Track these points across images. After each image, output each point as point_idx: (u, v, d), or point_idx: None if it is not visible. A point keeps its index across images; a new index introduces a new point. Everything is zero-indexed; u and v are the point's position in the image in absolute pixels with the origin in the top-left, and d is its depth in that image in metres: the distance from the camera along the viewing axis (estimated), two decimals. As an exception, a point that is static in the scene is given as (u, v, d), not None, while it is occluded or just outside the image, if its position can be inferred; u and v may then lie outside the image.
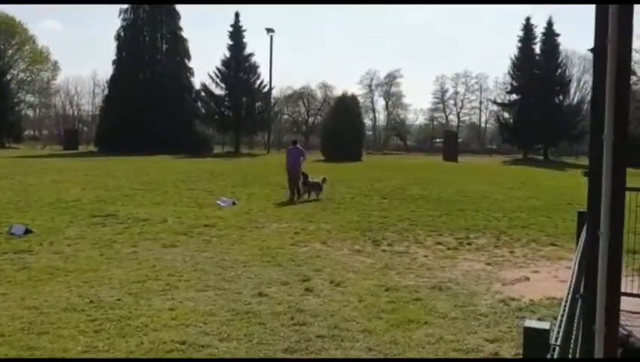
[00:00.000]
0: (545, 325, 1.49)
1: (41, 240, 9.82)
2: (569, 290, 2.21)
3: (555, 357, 1.45)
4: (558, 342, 1.47)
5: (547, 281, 7.77)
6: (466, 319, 5.99)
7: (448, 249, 9.81)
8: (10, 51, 68.34)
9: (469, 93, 76.58)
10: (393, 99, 78.38)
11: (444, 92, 77.05)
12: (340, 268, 8.20)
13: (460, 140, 54.11)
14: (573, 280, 2.49)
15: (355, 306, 6.33)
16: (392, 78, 76.94)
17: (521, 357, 4.90)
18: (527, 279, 7.81)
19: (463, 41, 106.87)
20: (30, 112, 73.14)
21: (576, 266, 2.81)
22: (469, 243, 10.28)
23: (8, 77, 59.58)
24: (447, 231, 11.42)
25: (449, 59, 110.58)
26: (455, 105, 77.39)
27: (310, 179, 16.86)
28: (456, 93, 76.89)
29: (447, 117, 78.00)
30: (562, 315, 1.73)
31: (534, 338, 1.46)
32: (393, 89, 77.76)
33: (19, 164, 27.08)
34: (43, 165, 27.14)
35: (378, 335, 5.41)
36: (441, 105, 77.73)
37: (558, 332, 1.57)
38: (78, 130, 64.52)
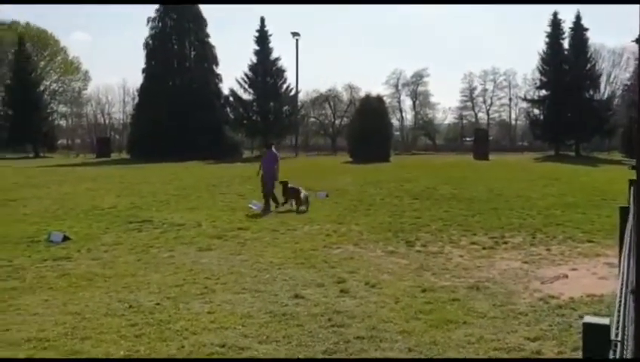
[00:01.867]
0: (605, 321, 1.47)
1: (79, 246, 10.02)
2: (622, 286, 2.17)
3: (618, 354, 1.43)
4: (619, 338, 1.44)
5: (586, 278, 7.63)
6: (506, 318, 5.92)
7: (484, 248, 9.70)
8: (42, 63, 70.11)
9: (497, 90, 75.69)
10: (420, 99, 77.84)
11: (472, 90, 76.30)
12: (375, 269, 8.18)
13: (490, 138, 53.38)
14: (626, 276, 2.44)
15: (392, 307, 6.31)
16: (418, 77, 76.46)
17: (565, 355, 4.82)
18: (566, 276, 7.68)
19: (490, 38, 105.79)
20: (63, 122, 74.84)
21: (627, 261, 2.75)
22: (505, 242, 10.15)
23: (41, 88, 61.00)
24: (482, 231, 11.30)
25: (476, 56, 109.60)
26: (484, 102, 76.55)
27: (291, 186, 15.26)
28: (485, 90, 76.06)
29: (476, 115, 77.19)
30: (619, 311, 1.69)
31: (595, 335, 1.43)
32: (420, 88, 77.26)
33: (54, 173, 27.69)
34: (77, 173, 27.71)
35: (417, 336, 5.38)
36: (469, 103, 76.99)
37: (617, 329, 1.54)
38: (110, 138, 65.70)
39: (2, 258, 9.15)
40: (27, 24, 72.24)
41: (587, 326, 1.46)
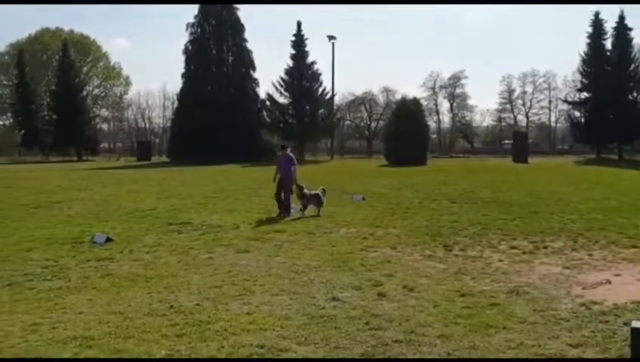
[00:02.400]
0: (653, 326, 1.45)
1: (122, 248, 10.27)
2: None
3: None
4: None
5: (631, 284, 7.44)
6: (547, 324, 5.83)
7: (523, 253, 9.56)
8: (85, 68, 72.10)
9: (537, 93, 74.43)
10: (458, 101, 77.10)
11: (511, 92, 75.20)
12: (412, 273, 8.15)
13: (529, 141, 52.43)
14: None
15: (431, 311, 6.27)
16: (456, 80, 75.79)
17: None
18: (609, 282, 7.50)
19: (529, 39, 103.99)
20: (105, 126, 76.74)
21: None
22: (545, 247, 9.98)
23: (84, 93, 62.61)
24: (522, 235, 11.13)
25: (515, 58, 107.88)
26: (523, 105, 75.36)
27: (307, 191, 14.51)
28: (524, 92, 74.89)
29: (515, 117, 76.03)
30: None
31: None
32: (458, 90, 76.57)
33: (96, 176, 28.39)
34: (119, 176, 28.35)
35: (456, 341, 5.35)
36: (508, 106, 75.90)
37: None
38: (151, 141, 67.09)
39: (48, 258, 9.46)
40: (71, 31, 74.40)
41: (636, 331, 1.45)
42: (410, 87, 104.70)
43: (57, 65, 60.88)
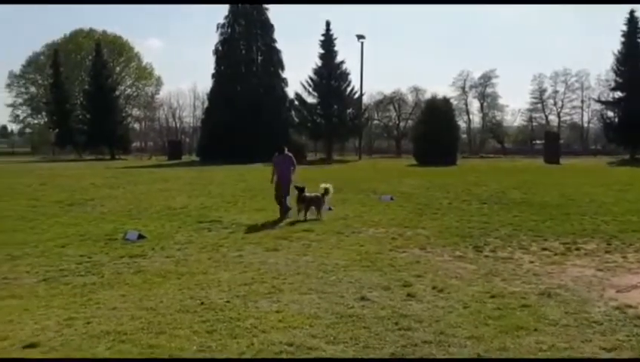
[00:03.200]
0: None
1: (153, 245, 10.43)
2: None
3: None
4: None
5: (668, 289, 7.26)
6: (579, 326, 5.73)
7: (555, 254, 9.41)
8: (118, 68, 73.42)
9: (569, 92, 73.22)
10: (488, 101, 76.31)
11: (542, 91, 74.09)
12: (442, 274, 8.09)
13: (561, 141, 51.57)
14: None
15: (460, 312, 6.23)
16: (486, 79, 75.05)
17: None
18: (645, 286, 7.33)
19: (562, 38, 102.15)
20: (136, 125, 78.01)
21: None
22: (577, 249, 9.81)
23: (117, 93, 63.74)
24: (553, 236, 10.96)
25: (547, 57, 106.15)
26: (555, 104, 74.18)
27: (307, 194, 13.53)
28: (556, 92, 73.72)
29: (546, 117, 74.87)
30: None
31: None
32: (488, 90, 75.82)
33: (128, 174, 28.89)
34: (150, 175, 28.80)
35: (486, 342, 5.30)
36: (539, 106, 74.79)
37: None
38: (181, 141, 67.92)
39: (82, 254, 9.66)
40: (104, 32, 75.87)
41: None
42: (440, 87, 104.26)
43: (91, 66, 62.16)
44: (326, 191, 13.78)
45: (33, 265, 8.87)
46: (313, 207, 13.43)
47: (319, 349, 5.21)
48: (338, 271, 8.25)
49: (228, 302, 6.71)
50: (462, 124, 69.21)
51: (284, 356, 5.10)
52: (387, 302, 6.65)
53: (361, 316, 6.10)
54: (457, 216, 13.66)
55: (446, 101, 44.88)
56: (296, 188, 13.64)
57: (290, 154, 14.87)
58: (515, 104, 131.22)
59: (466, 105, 76.09)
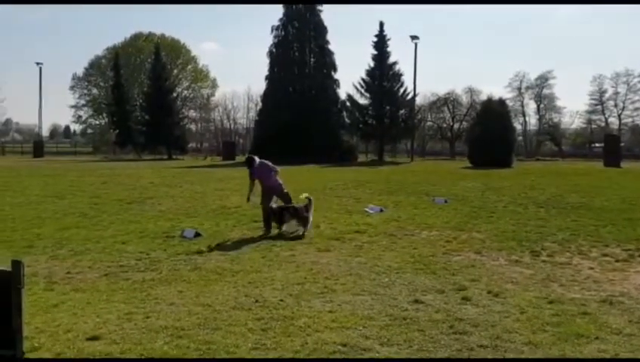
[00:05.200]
0: None
1: (209, 242, 10.65)
2: None
3: None
4: None
5: None
6: (645, 336, 5.51)
7: (617, 261, 9.07)
8: (175, 71, 75.35)
9: (631, 94, 70.40)
10: (545, 102, 74.29)
11: (602, 93, 71.48)
12: (498, 278, 7.94)
13: (621, 144, 49.62)
14: None
15: (517, 318, 6.10)
16: (543, 80, 73.07)
17: None
18: None
19: (623, 38, 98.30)
20: (192, 126, 79.79)
21: None
22: (641, 256, 9.43)
23: (174, 94, 65.35)
24: (614, 242, 10.57)
25: (607, 57, 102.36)
26: (615, 106, 71.47)
27: (294, 204, 12.05)
28: (617, 93, 71.02)
29: (606, 119, 72.25)
30: None
31: None
32: (545, 91, 73.82)
33: (185, 174, 29.59)
34: (206, 174, 29.42)
35: (545, 349, 5.17)
36: (599, 107, 72.16)
37: None
38: (235, 141, 69.09)
39: (141, 251, 9.97)
40: (162, 35, 78.04)
41: None
42: (495, 87, 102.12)
43: (150, 68, 63.92)
44: (309, 201, 11.84)
45: (95, 261, 9.22)
46: (294, 221, 11.59)
47: (373, 350, 5.21)
48: (391, 273, 8.21)
49: (281, 300, 6.79)
50: (517, 125, 67.57)
51: (337, 356, 5.12)
52: (441, 305, 6.58)
53: (415, 319, 6.05)
54: (513, 220, 13.36)
55: (502, 102, 43.94)
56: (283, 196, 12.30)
57: (265, 161, 12.92)
58: (573, 106, 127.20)
59: (522, 106, 74.35)
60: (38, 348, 5.30)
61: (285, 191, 12.54)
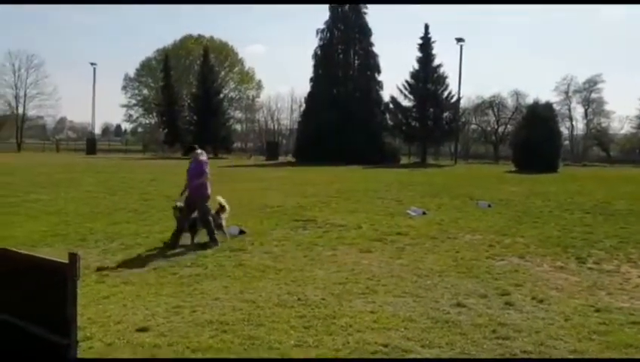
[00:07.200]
0: None
1: (253, 240, 10.82)
2: None
3: None
4: None
5: None
6: (696, 349, 5.36)
7: (668, 270, 8.81)
8: (222, 73, 76.55)
9: (683, 98, 67.40)
10: (593, 107, 72.11)
11: (654, 96, 68.74)
12: (542, 284, 7.82)
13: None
14: None
15: (562, 325, 6.01)
16: (592, 84, 70.94)
17: None
18: None
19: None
20: (238, 126, 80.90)
21: None
22: (695, 266, 9.12)
23: (221, 96, 66.41)
24: (666, 251, 10.25)
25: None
26: (667, 110, 68.63)
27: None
28: (670, 97, 68.12)
29: (659, 124, 69.49)
30: None
31: None
32: (593, 95, 71.59)
33: (230, 172, 30.08)
34: (249, 174, 29.82)
35: (591, 357, 5.09)
36: (651, 112, 69.51)
37: None
38: (278, 142, 69.72)
39: (188, 246, 10.21)
40: (211, 37, 79.42)
41: None
42: (542, 91, 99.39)
43: (198, 70, 65.14)
44: (222, 207, 10.88)
45: (144, 255, 9.50)
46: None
47: (414, 352, 5.23)
48: (433, 275, 8.19)
49: (323, 299, 6.86)
50: (564, 130, 65.85)
51: (378, 356, 5.16)
52: (484, 309, 6.53)
53: (457, 322, 6.04)
54: (559, 226, 13.10)
55: (549, 106, 43.03)
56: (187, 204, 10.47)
57: (202, 158, 10.61)
58: (622, 111, 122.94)
59: (569, 110, 72.37)
60: (90, 337, 5.52)
61: (205, 200, 10.68)
